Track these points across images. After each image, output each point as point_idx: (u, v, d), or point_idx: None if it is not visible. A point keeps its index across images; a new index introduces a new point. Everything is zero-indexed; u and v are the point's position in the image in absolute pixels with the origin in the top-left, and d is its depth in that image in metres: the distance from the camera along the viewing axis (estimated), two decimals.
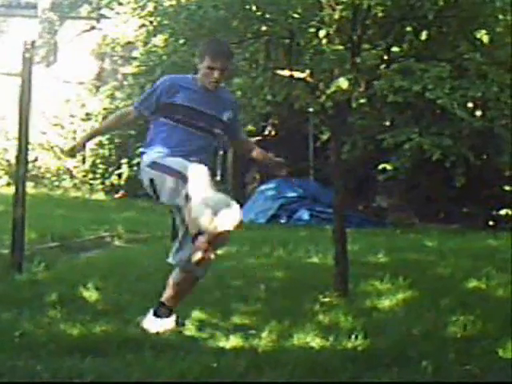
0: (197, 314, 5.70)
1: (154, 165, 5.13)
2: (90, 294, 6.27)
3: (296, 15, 6.29)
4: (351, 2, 6.12)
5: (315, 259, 8.83)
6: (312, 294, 6.49)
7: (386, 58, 6.52)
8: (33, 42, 7.13)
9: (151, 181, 5.13)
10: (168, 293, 5.29)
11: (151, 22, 6.94)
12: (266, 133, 17.07)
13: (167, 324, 5.24)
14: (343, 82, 6.03)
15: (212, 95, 5.27)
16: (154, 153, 5.20)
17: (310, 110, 7.11)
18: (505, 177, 14.63)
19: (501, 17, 6.27)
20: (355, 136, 13.33)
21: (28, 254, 7.84)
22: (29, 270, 7.25)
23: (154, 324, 5.23)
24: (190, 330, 5.33)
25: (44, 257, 8.12)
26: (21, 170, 7.21)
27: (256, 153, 5.70)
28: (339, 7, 6.23)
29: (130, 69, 16.13)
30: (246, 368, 4.40)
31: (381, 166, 11.91)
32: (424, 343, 4.98)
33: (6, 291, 6.28)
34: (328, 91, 6.21)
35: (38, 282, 6.78)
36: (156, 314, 5.27)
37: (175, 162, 5.04)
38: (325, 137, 12.12)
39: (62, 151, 5.95)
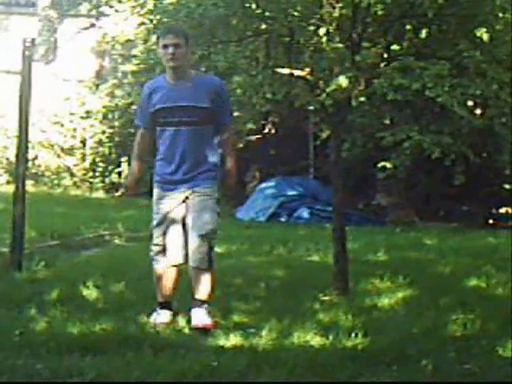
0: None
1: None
2: (90, 293, 6.26)
3: (296, 13, 6.28)
4: (351, 0, 6.11)
5: (315, 257, 8.83)
6: (312, 293, 6.48)
7: (385, 56, 6.51)
8: (33, 40, 7.12)
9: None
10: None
11: (151, 20, 6.94)
12: (266, 131, 17.06)
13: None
14: (343, 80, 6.03)
15: (185, 86, 5.41)
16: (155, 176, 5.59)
17: (310, 108, 7.09)
18: (504, 175, 14.63)
19: (500, 15, 6.26)
20: (355, 134, 13.35)
21: (28, 252, 7.84)
22: (28, 269, 7.25)
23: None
24: (189, 328, 5.33)
25: (44, 255, 8.12)
26: (20, 167, 7.20)
27: (223, 148, 5.66)
28: (339, 5, 6.23)
29: (129, 67, 16.16)
30: (245, 366, 4.41)
31: (380, 164, 11.93)
32: (424, 342, 4.98)
33: (5, 290, 6.28)
34: (328, 89, 6.21)
35: (37, 281, 6.78)
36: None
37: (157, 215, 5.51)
38: (324, 135, 12.13)
39: (126, 190, 6.15)
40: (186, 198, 5.43)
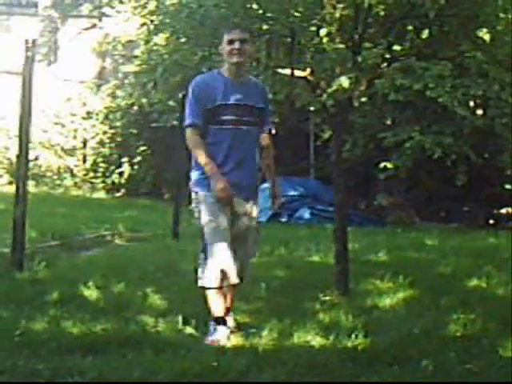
0: (195, 313, 5.69)
1: (199, 218, 5.21)
2: (91, 293, 6.26)
3: (297, 14, 6.28)
4: (352, 1, 6.11)
5: (316, 258, 8.82)
6: (313, 293, 6.48)
7: (387, 56, 6.51)
8: (34, 41, 7.12)
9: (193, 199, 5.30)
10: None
11: (152, 21, 6.94)
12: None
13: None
14: (344, 81, 6.04)
15: (244, 85, 5.27)
16: (202, 189, 5.21)
17: (311, 108, 7.10)
18: (505, 175, 14.64)
19: (502, 15, 6.26)
20: (356, 134, 13.36)
21: (29, 252, 7.84)
22: (30, 269, 7.25)
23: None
24: (190, 328, 5.33)
25: (45, 255, 8.13)
26: (22, 168, 7.21)
27: (264, 159, 5.50)
28: (340, 6, 6.23)
29: (131, 67, 16.18)
30: (246, 367, 4.40)
31: (382, 165, 11.94)
32: (424, 342, 4.98)
33: (6, 290, 6.27)
34: (329, 90, 6.21)
35: (38, 281, 6.78)
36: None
37: (214, 233, 5.13)
38: (326, 135, 12.12)
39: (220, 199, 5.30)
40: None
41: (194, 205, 5.27)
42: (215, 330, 5.14)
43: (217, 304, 5.19)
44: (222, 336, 5.08)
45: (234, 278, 5.16)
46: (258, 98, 5.31)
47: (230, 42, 5.18)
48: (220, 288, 5.16)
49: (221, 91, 5.18)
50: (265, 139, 5.45)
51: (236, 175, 5.18)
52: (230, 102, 5.19)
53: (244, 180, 5.24)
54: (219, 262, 5.10)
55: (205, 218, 5.15)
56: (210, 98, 5.16)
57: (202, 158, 5.15)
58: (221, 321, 5.17)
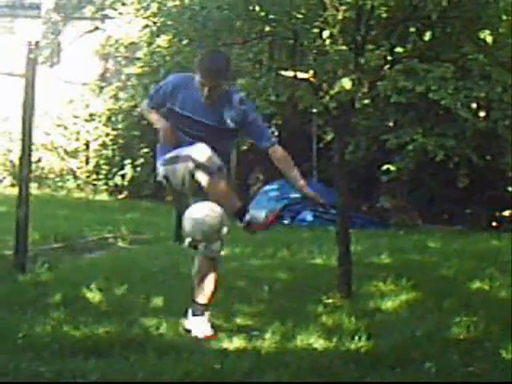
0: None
1: (165, 161, 5.19)
2: (94, 295, 6.26)
3: (299, 15, 6.28)
4: (355, 3, 6.11)
5: (318, 260, 8.82)
6: (315, 295, 6.48)
7: (389, 58, 6.50)
8: (37, 43, 7.13)
9: (165, 177, 5.21)
10: (197, 290, 5.35)
11: (155, 23, 6.94)
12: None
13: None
14: (347, 83, 6.03)
15: (213, 106, 5.14)
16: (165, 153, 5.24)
17: (314, 110, 7.10)
18: (508, 178, 14.62)
19: (504, 17, 6.25)
20: (359, 137, 13.35)
21: (31, 254, 7.83)
22: (32, 271, 7.24)
23: (198, 326, 5.27)
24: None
25: (47, 258, 8.12)
26: (24, 170, 7.21)
27: (285, 171, 5.45)
28: (343, 8, 6.23)
29: (133, 69, 16.18)
30: (249, 369, 4.40)
31: (384, 167, 11.92)
32: (427, 344, 4.98)
33: (9, 292, 6.27)
34: (331, 92, 6.21)
35: (41, 283, 6.77)
36: (194, 314, 5.31)
37: (180, 150, 5.08)
38: (328, 137, 12.11)
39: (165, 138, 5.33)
40: None
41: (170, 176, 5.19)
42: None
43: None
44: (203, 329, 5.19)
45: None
46: (229, 118, 5.15)
47: (201, 84, 5.05)
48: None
49: (188, 100, 5.16)
50: (276, 153, 5.33)
51: None
52: (189, 115, 5.15)
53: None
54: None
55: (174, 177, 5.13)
56: (174, 101, 5.19)
57: (153, 117, 5.30)
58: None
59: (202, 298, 5.33)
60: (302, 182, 5.44)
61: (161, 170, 5.25)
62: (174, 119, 5.23)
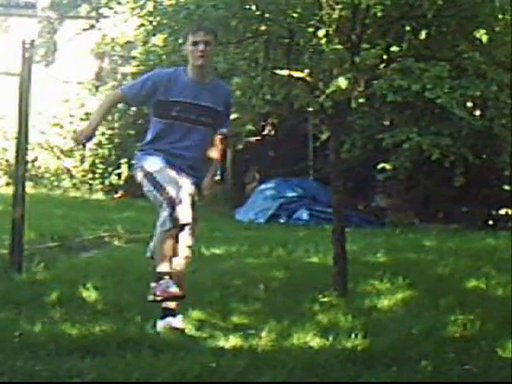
0: (196, 313, 5.70)
1: (147, 174, 5.31)
2: (90, 294, 6.26)
3: (295, 14, 6.28)
4: (350, 2, 6.10)
5: (314, 259, 8.82)
6: (311, 294, 6.49)
7: (385, 57, 6.50)
8: (32, 42, 7.12)
9: (140, 182, 5.41)
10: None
11: (150, 22, 6.93)
12: (265, 132, 17.06)
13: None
14: (342, 82, 6.03)
15: (205, 87, 5.38)
16: (149, 157, 5.34)
17: (310, 109, 7.09)
18: (504, 176, 14.63)
19: (500, 16, 6.26)
20: (354, 135, 13.35)
21: (27, 253, 7.82)
22: (28, 270, 7.24)
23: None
24: (189, 329, 5.33)
25: (43, 257, 8.11)
26: (20, 169, 7.20)
27: (211, 153, 5.55)
28: (338, 6, 6.22)
29: (129, 68, 16.16)
30: (245, 368, 4.40)
31: (380, 166, 11.94)
32: (423, 343, 4.98)
33: (5, 291, 6.27)
34: (327, 91, 6.21)
35: (37, 282, 6.77)
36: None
37: (165, 180, 5.21)
38: (324, 136, 12.11)
39: (75, 139, 5.47)
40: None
41: (145, 188, 5.37)
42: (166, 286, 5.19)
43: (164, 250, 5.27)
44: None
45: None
46: (218, 100, 5.41)
47: (194, 43, 5.28)
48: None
49: (178, 88, 5.31)
50: (219, 140, 5.53)
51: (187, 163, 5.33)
52: (187, 101, 5.31)
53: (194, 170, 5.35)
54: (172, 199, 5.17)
55: (149, 166, 5.30)
56: (165, 91, 5.31)
57: (96, 114, 5.50)
58: (164, 275, 5.22)
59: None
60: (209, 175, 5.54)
61: (139, 175, 5.39)
62: (162, 110, 5.34)
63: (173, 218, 5.15)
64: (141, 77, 5.58)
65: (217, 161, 5.58)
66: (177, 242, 5.29)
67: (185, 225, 5.19)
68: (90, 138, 5.40)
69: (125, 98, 5.55)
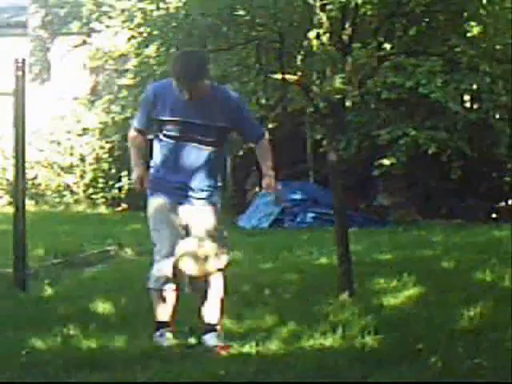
0: None
1: (147, 206, 5.22)
2: (96, 309, 6.25)
3: (285, 18, 6.26)
4: (339, 2, 6.08)
5: (320, 261, 8.82)
6: (318, 296, 6.48)
7: (377, 55, 6.50)
8: (23, 60, 7.12)
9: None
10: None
11: (140, 33, 6.93)
12: None
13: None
14: (336, 81, 6.02)
15: (199, 102, 4.98)
16: (151, 199, 5.22)
17: (306, 111, 7.09)
18: (504, 168, 14.63)
19: (489, 8, 6.25)
20: (350, 133, 13.35)
21: (32, 271, 7.82)
22: (33, 288, 7.23)
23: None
24: (197, 337, 5.30)
25: (48, 274, 8.10)
26: (19, 187, 7.19)
27: (262, 169, 5.24)
28: (328, 7, 6.22)
29: (125, 81, 16.17)
30: (254, 373, 4.39)
31: (378, 162, 11.93)
32: (432, 338, 4.96)
33: (10, 310, 6.26)
34: (321, 91, 6.20)
35: (42, 300, 6.77)
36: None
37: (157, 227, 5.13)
38: (318, 136, 12.09)
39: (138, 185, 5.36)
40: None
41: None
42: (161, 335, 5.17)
43: (158, 307, 5.23)
44: (165, 343, 5.10)
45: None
46: (218, 115, 5.01)
47: (179, 87, 4.93)
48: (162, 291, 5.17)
49: (169, 106, 5.02)
50: (259, 148, 5.25)
51: (178, 188, 5.11)
52: (173, 119, 5.01)
53: (187, 185, 5.11)
54: (159, 266, 5.11)
55: (150, 221, 5.20)
56: (155, 109, 5.07)
57: (132, 156, 5.32)
58: (162, 325, 5.19)
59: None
60: (268, 177, 5.18)
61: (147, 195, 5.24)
62: (159, 128, 5.12)
63: (156, 276, 5.15)
64: (140, 105, 5.38)
65: (265, 161, 5.21)
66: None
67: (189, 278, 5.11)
68: (142, 180, 5.24)
69: (139, 131, 5.28)
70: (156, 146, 5.21)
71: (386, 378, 4.28)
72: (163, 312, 5.23)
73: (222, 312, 5.28)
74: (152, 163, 5.26)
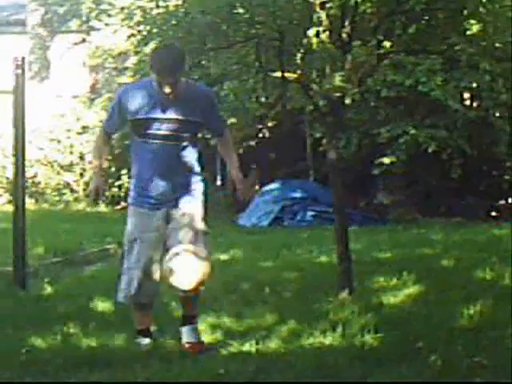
0: (208, 319, 5.67)
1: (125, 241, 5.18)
2: (96, 307, 6.25)
3: (284, 16, 6.26)
4: (338, 0, 6.07)
5: (320, 259, 8.82)
6: (318, 294, 6.48)
7: (377, 53, 6.49)
8: (23, 58, 7.12)
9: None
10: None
11: (139, 31, 6.91)
12: (263, 135, 17.06)
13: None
14: (336, 80, 6.02)
15: (177, 98, 4.94)
16: (131, 192, 5.22)
17: (306, 109, 7.09)
18: (504, 167, 14.63)
19: (489, 6, 6.24)
20: (350, 132, 13.35)
21: (32, 270, 7.82)
22: (33, 286, 7.23)
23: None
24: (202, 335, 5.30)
25: (48, 272, 8.10)
26: (19, 184, 7.19)
27: (227, 162, 5.40)
28: (327, 5, 6.21)
29: (126, 79, 16.17)
30: (254, 372, 4.39)
31: (378, 161, 11.93)
32: (432, 337, 4.97)
33: (10, 308, 6.26)
34: (321, 89, 6.20)
35: (42, 298, 6.77)
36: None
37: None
38: (318, 135, 12.09)
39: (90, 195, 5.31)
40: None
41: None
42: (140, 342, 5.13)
43: (135, 316, 5.24)
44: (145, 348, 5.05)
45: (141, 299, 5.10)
46: (194, 110, 4.99)
47: (159, 82, 4.88)
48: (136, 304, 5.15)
49: (145, 105, 4.97)
50: (223, 143, 5.30)
51: (161, 188, 5.05)
52: (154, 116, 4.97)
53: (170, 191, 5.06)
54: (128, 281, 5.06)
55: (127, 231, 5.15)
56: (130, 111, 5.00)
57: (95, 163, 5.38)
58: (143, 333, 5.15)
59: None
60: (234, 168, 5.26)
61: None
62: (137, 129, 5.05)
63: (125, 292, 5.11)
64: (110, 106, 5.31)
65: (230, 158, 5.29)
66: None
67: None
68: (98, 191, 5.26)
69: (106, 132, 5.29)
70: (134, 148, 5.17)
71: (386, 377, 4.28)
72: (140, 321, 5.22)
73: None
74: (133, 168, 5.22)
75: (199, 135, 5.26)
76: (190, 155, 5.11)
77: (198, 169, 5.17)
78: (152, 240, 5.04)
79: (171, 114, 4.98)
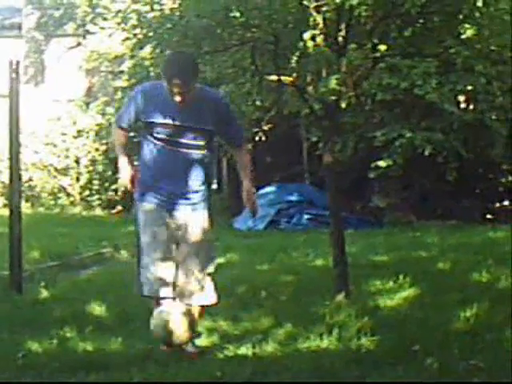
0: (204, 322, 5.67)
1: (136, 216, 5.13)
2: (92, 311, 6.25)
3: (279, 19, 6.25)
4: (333, 3, 6.07)
5: (316, 262, 8.82)
6: (314, 297, 6.48)
7: (372, 56, 6.50)
8: (18, 62, 7.12)
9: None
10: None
11: (135, 35, 6.90)
12: (259, 139, 17.04)
13: None
14: (331, 83, 6.01)
15: (190, 105, 4.89)
16: (138, 189, 5.12)
17: (302, 113, 7.09)
18: (500, 169, 14.65)
19: (484, 9, 6.25)
20: (346, 135, 13.35)
21: (28, 274, 7.82)
22: (29, 290, 7.22)
23: None
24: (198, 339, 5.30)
25: (44, 276, 8.10)
26: (14, 189, 7.19)
27: (241, 174, 5.35)
28: (323, 9, 6.22)
29: (120, 82, 16.18)
30: (251, 374, 4.39)
31: (374, 164, 11.93)
32: (428, 340, 4.97)
33: (6, 312, 6.26)
34: (316, 93, 6.20)
35: (38, 302, 6.76)
36: None
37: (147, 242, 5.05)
38: (314, 138, 12.09)
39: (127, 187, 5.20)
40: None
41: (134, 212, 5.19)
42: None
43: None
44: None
45: (164, 293, 4.98)
46: (207, 119, 4.94)
47: (170, 89, 4.82)
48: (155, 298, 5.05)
49: (159, 108, 4.92)
50: (240, 153, 5.26)
51: (168, 190, 5.02)
52: (165, 122, 4.92)
53: (177, 191, 5.02)
54: (151, 274, 5.01)
55: (140, 228, 5.10)
56: (145, 111, 4.96)
57: (120, 156, 5.21)
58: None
59: None
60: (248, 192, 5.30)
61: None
62: (149, 130, 5.01)
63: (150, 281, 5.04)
64: (125, 102, 5.26)
65: (245, 170, 5.30)
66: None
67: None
68: (133, 178, 5.17)
69: (120, 127, 5.17)
70: (144, 148, 5.10)
71: (383, 380, 4.28)
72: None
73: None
74: (140, 166, 5.17)
75: (214, 143, 5.19)
76: (202, 164, 5.05)
77: (208, 179, 5.13)
78: (164, 233, 5.01)
79: (185, 122, 4.93)
